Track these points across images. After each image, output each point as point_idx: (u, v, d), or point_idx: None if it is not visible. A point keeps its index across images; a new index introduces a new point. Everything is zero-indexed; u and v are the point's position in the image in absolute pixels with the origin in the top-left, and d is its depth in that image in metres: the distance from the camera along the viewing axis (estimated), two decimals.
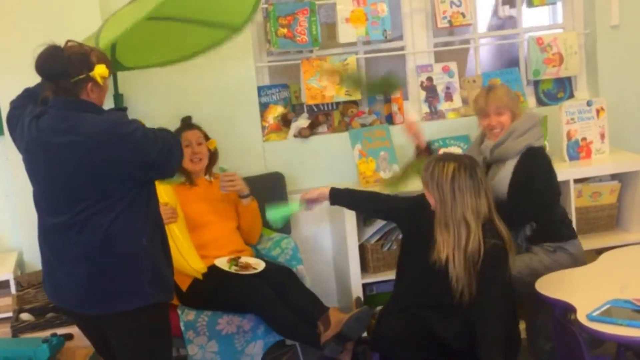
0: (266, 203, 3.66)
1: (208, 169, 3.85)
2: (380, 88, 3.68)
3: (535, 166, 3.41)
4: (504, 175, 3.43)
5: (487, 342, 2.88)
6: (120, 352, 2.78)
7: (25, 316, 3.28)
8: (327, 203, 3.48)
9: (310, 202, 3.48)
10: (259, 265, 3.58)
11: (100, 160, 2.54)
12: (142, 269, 2.64)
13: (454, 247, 2.98)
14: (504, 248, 2.99)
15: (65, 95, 2.59)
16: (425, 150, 3.64)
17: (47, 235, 2.71)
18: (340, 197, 3.45)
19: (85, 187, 2.58)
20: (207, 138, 3.85)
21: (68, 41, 2.64)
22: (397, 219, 3.42)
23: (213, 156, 3.87)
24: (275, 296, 3.46)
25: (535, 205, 3.37)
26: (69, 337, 3.12)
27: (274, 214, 3.57)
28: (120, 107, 2.73)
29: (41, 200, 2.71)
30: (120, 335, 2.75)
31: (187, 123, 3.89)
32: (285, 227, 4.03)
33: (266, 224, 3.80)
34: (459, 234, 2.98)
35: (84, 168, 2.55)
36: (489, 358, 2.83)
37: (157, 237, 2.74)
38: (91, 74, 2.57)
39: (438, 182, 2.99)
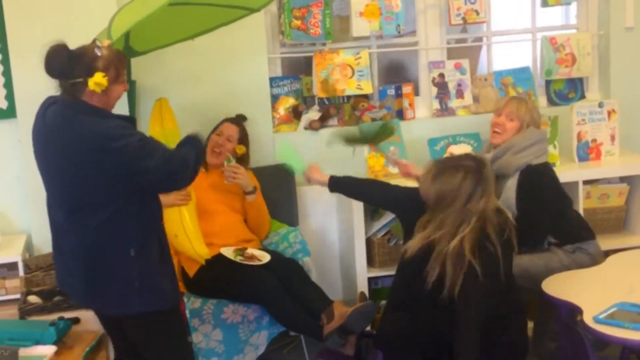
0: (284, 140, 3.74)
1: None
2: (376, 136, 3.68)
3: (537, 186, 3.43)
4: (508, 195, 3.44)
5: (462, 347, 2.85)
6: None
7: (33, 298, 3.30)
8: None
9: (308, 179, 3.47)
10: (264, 257, 3.59)
11: (88, 166, 2.54)
12: (128, 278, 2.64)
13: (449, 239, 2.90)
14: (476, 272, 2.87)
15: (67, 94, 2.59)
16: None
17: (51, 225, 2.77)
18: (339, 185, 3.42)
19: (75, 189, 2.60)
20: (242, 140, 3.86)
21: (94, 40, 2.64)
22: (400, 208, 3.33)
23: (241, 161, 3.83)
24: (280, 288, 3.48)
25: (547, 224, 3.43)
26: (76, 320, 3.14)
27: (284, 152, 3.58)
28: (127, 116, 2.71)
29: (46, 191, 2.75)
30: (126, 330, 2.81)
31: (239, 116, 3.93)
32: (293, 220, 4.06)
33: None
34: (452, 230, 2.91)
35: (74, 171, 2.57)
36: None
37: (153, 246, 2.70)
38: (89, 79, 2.55)
39: (443, 187, 2.92)
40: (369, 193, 3.43)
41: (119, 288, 2.65)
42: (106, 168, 2.53)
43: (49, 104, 2.66)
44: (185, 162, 2.66)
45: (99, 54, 2.59)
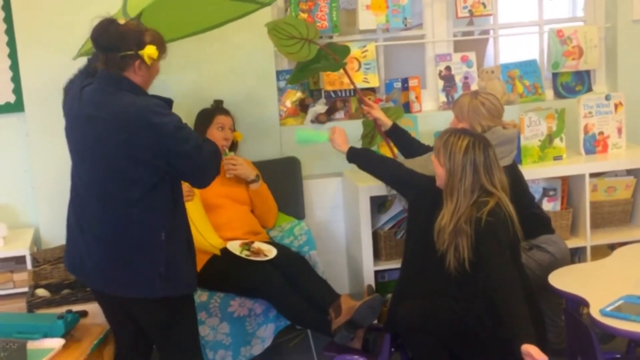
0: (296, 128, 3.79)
1: None
2: None
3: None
4: None
5: (510, 320, 2.76)
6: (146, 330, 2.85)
7: (41, 292, 3.31)
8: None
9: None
10: (271, 252, 3.59)
11: (123, 140, 2.55)
12: (155, 262, 2.65)
13: (452, 214, 2.96)
14: (495, 223, 2.91)
15: (112, 69, 2.62)
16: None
17: (76, 205, 2.76)
18: (356, 157, 3.45)
19: (110, 166, 2.60)
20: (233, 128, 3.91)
21: (131, 19, 2.70)
22: (412, 190, 3.33)
23: (233, 146, 3.91)
24: (285, 283, 3.48)
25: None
26: (84, 314, 3.15)
27: (302, 135, 3.62)
28: (166, 98, 2.73)
29: (74, 171, 2.76)
30: (138, 317, 2.80)
31: (220, 107, 3.91)
32: (299, 213, 4.06)
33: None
34: (460, 205, 2.95)
35: (109, 146, 2.58)
36: (517, 336, 2.68)
37: (181, 233, 2.73)
38: (140, 52, 2.60)
39: (451, 153, 2.99)
40: (385, 170, 3.41)
41: (145, 271, 2.65)
42: (143, 142, 2.55)
43: (85, 84, 2.70)
44: (212, 157, 2.73)
45: (145, 29, 2.65)
